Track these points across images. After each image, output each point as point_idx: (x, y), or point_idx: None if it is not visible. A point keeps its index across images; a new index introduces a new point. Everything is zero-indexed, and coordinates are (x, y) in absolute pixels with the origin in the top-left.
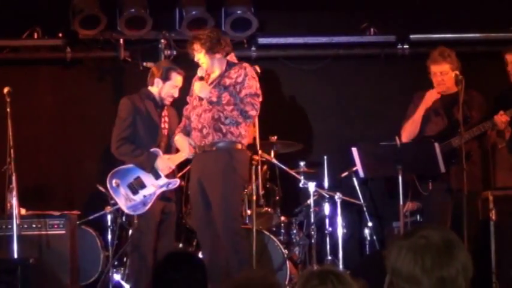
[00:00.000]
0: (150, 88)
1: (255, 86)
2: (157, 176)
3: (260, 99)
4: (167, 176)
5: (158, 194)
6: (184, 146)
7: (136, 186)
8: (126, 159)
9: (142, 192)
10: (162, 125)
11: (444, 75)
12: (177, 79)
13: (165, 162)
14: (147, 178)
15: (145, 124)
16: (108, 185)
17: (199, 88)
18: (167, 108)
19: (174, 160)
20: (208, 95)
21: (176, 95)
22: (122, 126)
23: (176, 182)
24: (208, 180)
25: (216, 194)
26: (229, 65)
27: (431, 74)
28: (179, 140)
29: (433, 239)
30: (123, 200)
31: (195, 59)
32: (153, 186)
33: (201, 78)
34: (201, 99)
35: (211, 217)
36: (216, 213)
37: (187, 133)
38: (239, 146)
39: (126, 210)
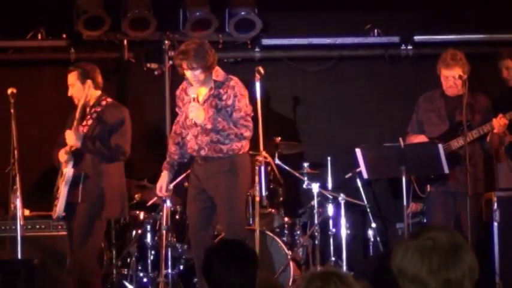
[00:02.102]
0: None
1: (245, 104)
2: (61, 174)
3: (251, 115)
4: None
5: (67, 187)
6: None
7: (55, 194)
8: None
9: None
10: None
11: (457, 79)
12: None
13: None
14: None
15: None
16: None
17: (195, 113)
18: (100, 109)
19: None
20: (204, 122)
21: (68, 94)
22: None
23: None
24: (212, 186)
25: (220, 199)
26: (217, 84)
27: (441, 77)
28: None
29: (440, 241)
30: (56, 213)
31: (186, 76)
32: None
33: (194, 99)
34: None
35: (208, 221)
36: (221, 217)
37: (178, 154)
38: (240, 153)
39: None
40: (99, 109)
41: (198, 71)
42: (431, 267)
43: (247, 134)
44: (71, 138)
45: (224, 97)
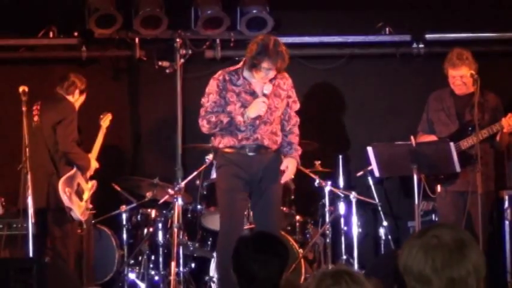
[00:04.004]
0: (67, 96)
1: None
2: (86, 180)
3: None
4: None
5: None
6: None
7: (80, 192)
8: (77, 159)
9: (84, 198)
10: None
11: (464, 78)
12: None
13: (94, 162)
14: (83, 184)
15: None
16: (63, 196)
17: (264, 109)
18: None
19: (94, 158)
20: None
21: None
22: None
23: (95, 183)
24: (268, 179)
25: (275, 192)
26: (276, 75)
27: (448, 77)
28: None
29: (444, 239)
30: (77, 206)
31: (268, 75)
32: (87, 191)
33: (266, 96)
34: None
35: (243, 213)
36: (265, 213)
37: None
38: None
39: (80, 217)
40: None
41: (275, 70)
42: (435, 265)
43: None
44: None
45: (285, 87)
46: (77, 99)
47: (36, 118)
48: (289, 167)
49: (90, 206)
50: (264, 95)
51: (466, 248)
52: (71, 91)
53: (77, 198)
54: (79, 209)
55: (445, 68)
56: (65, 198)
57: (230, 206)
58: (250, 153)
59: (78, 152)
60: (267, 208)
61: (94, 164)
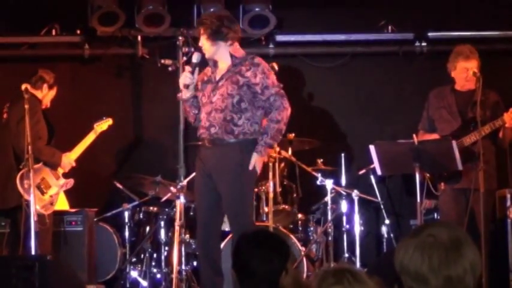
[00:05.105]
0: (34, 92)
1: (274, 78)
2: (57, 177)
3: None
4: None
5: (59, 193)
6: None
7: (43, 187)
8: (40, 154)
9: (49, 193)
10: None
11: (474, 72)
12: (54, 92)
13: (68, 160)
14: (51, 179)
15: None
16: (20, 187)
17: (182, 78)
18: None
19: (72, 157)
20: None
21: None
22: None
23: (71, 182)
24: (220, 176)
25: (228, 190)
26: (237, 60)
27: (457, 71)
28: None
29: (440, 238)
30: (36, 200)
31: (199, 44)
32: (56, 187)
33: (191, 65)
34: (212, 94)
35: (213, 216)
36: (228, 209)
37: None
38: (251, 138)
39: (41, 210)
40: None
41: (204, 37)
42: (432, 264)
43: (287, 105)
44: None
45: (248, 74)
46: (46, 94)
47: (5, 116)
48: (256, 165)
49: (54, 202)
50: (190, 64)
51: (462, 246)
52: (39, 86)
53: (38, 191)
54: (39, 202)
55: (454, 61)
56: (21, 191)
57: (198, 207)
58: (208, 145)
59: (41, 147)
60: (226, 207)
61: (68, 162)
